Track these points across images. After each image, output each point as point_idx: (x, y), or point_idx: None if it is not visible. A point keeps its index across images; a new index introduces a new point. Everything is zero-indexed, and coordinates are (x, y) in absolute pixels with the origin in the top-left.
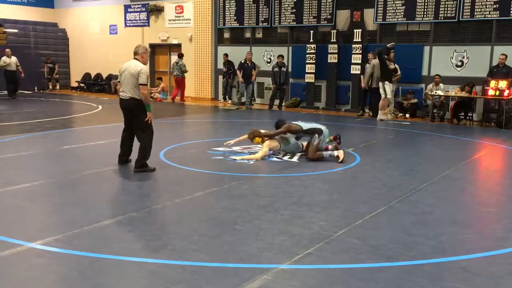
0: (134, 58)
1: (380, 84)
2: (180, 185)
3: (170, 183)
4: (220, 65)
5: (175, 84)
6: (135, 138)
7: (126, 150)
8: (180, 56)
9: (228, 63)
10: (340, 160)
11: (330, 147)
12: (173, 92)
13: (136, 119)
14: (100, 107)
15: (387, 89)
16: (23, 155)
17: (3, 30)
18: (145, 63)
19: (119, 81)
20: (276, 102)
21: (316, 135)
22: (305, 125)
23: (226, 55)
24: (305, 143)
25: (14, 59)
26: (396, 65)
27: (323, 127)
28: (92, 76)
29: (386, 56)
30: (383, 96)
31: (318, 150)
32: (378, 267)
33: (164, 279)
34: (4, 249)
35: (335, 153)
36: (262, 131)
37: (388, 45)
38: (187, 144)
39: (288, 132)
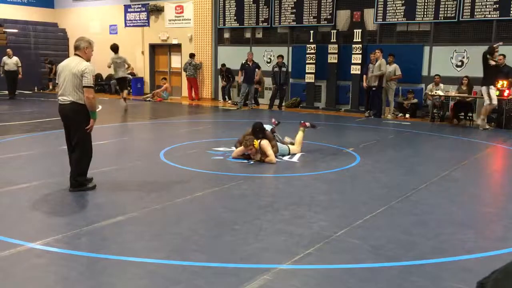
0: (75, 54)
1: (483, 88)
2: (180, 185)
3: (170, 183)
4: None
5: (188, 84)
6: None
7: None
8: (192, 56)
9: (227, 72)
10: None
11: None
12: (194, 94)
13: (74, 128)
14: (100, 107)
15: (492, 94)
16: (23, 155)
17: (3, 30)
18: (88, 60)
19: (57, 83)
20: (276, 102)
21: (274, 134)
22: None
23: (223, 65)
24: (292, 147)
25: (14, 59)
26: (395, 65)
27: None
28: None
29: (489, 56)
30: (487, 102)
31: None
32: (378, 267)
33: (164, 279)
34: (4, 249)
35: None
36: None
37: (494, 45)
38: (187, 144)
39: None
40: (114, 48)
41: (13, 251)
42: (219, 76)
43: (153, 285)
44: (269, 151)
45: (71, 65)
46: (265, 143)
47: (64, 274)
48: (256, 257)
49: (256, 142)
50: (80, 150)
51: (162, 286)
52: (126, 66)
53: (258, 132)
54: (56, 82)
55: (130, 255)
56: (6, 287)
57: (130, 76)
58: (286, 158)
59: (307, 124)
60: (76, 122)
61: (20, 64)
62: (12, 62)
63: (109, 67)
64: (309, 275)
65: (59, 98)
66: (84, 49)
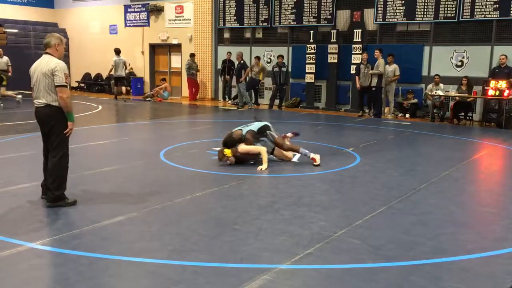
0: (46, 53)
1: None
2: (180, 185)
3: (170, 183)
4: (220, 65)
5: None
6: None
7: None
8: (191, 55)
9: (229, 62)
10: (317, 164)
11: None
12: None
13: (50, 132)
14: (100, 107)
15: None
16: (23, 155)
17: (3, 30)
18: (60, 57)
19: (32, 86)
20: (276, 102)
21: (268, 132)
22: (254, 127)
23: (229, 53)
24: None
25: (5, 59)
26: (395, 65)
27: (265, 122)
28: (92, 76)
29: None
30: None
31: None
32: (378, 267)
33: (164, 279)
34: (4, 249)
35: (311, 155)
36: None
37: None
38: (187, 144)
39: (252, 138)
40: (117, 51)
41: (13, 251)
42: (221, 74)
43: (153, 285)
44: (251, 148)
45: (41, 65)
46: (241, 145)
47: (64, 274)
48: (256, 257)
49: (227, 151)
50: (55, 158)
51: (162, 286)
52: (124, 67)
53: (230, 146)
54: (31, 86)
55: (130, 255)
56: (6, 287)
57: (127, 75)
58: (312, 154)
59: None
60: (52, 127)
61: (10, 64)
62: (3, 61)
63: (112, 67)
64: (309, 275)
65: (34, 101)
66: (56, 46)
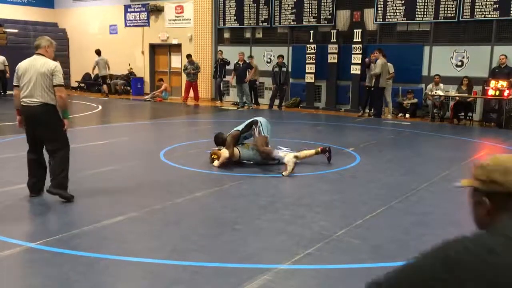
0: (37, 53)
1: None
2: (180, 185)
3: (170, 183)
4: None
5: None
6: (48, 159)
7: (38, 176)
8: (187, 56)
9: (221, 61)
10: (283, 172)
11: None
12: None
13: (50, 130)
14: (100, 107)
15: None
16: (23, 155)
17: (3, 30)
18: (50, 59)
19: (17, 86)
20: (276, 102)
21: (253, 127)
22: (241, 126)
23: (221, 51)
24: (290, 154)
25: (1, 58)
26: (389, 64)
27: (258, 118)
28: (92, 76)
29: None
30: None
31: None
32: (378, 267)
33: (164, 279)
34: (4, 249)
35: (285, 159)
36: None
37: None
38: (187, 144)
39: (233, 138)
40: (98, 52)
41: (13, 251)
42: (214, 74)
43: (153, 285)
44: (221, 155)
45: (37, 65)
46: (224, 151)
47: (64, 274)
48: (256, 257)
49: (216, 153)
50: (60, 156)
51: (162, 286)
52: (107, 66)
53: (217, 143)
54: (15, 84)
55: (130, 255)
56: (6, 287)
57: (127, 75)
58: (286, 159)
59: (324, 150)
60: (51, 125)
61: (7, 63)
62: None
63: (94, 67)
64: (309, 275)
65: (25, 100)
66: (46, 48)
